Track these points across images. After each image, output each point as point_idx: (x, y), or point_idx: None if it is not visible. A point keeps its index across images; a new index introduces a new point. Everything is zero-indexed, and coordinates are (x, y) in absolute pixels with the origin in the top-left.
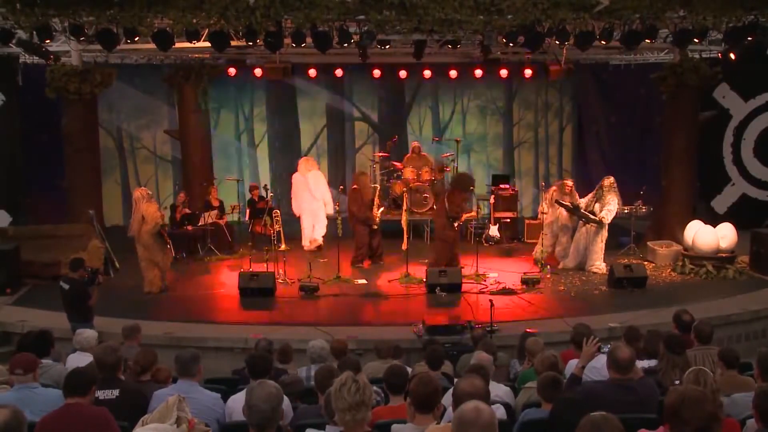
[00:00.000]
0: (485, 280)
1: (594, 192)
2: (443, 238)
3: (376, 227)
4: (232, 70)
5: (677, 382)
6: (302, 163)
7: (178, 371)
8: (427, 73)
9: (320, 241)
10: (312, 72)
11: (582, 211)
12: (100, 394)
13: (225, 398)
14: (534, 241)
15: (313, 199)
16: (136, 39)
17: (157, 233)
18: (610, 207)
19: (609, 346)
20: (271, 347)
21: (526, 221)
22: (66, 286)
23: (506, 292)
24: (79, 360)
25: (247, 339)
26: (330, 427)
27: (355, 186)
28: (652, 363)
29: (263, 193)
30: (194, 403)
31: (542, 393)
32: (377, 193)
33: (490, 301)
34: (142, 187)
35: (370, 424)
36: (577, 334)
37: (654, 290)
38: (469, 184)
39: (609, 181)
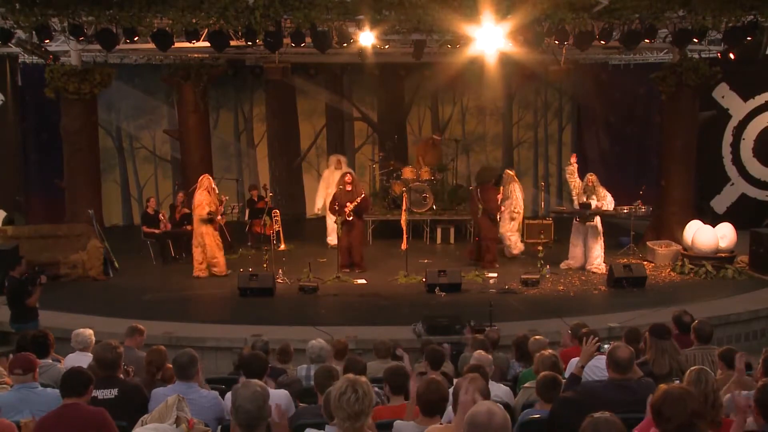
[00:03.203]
0: (484, 280)
1: (582, 191)
2: (492, 237)
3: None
4: (231, 70)
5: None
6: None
7: (176, 374)
8: (427, 73)
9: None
10: (311, 72)
11: (595, 209)
12: (99, 394)
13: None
14: (533, 240)
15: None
16: (136, 39)
17: (208, 220)
18: (608, 198)
19: (608, 345)
20: (267, 347)
21: (526, 221)
22: (6, 284)
23: (506, 292)
24: (78, 360)
25: (247, 339)
26: (329, 427)
27: None
28: None
29: (262, 193)
30: (193, 403)
31: (541, 393)
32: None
33: (490, 301)
34: (207, 175)
35: (371, 425)
36: (576, 334)
37: (653, 290)
38: (498, 177)
39: (594, 177)
